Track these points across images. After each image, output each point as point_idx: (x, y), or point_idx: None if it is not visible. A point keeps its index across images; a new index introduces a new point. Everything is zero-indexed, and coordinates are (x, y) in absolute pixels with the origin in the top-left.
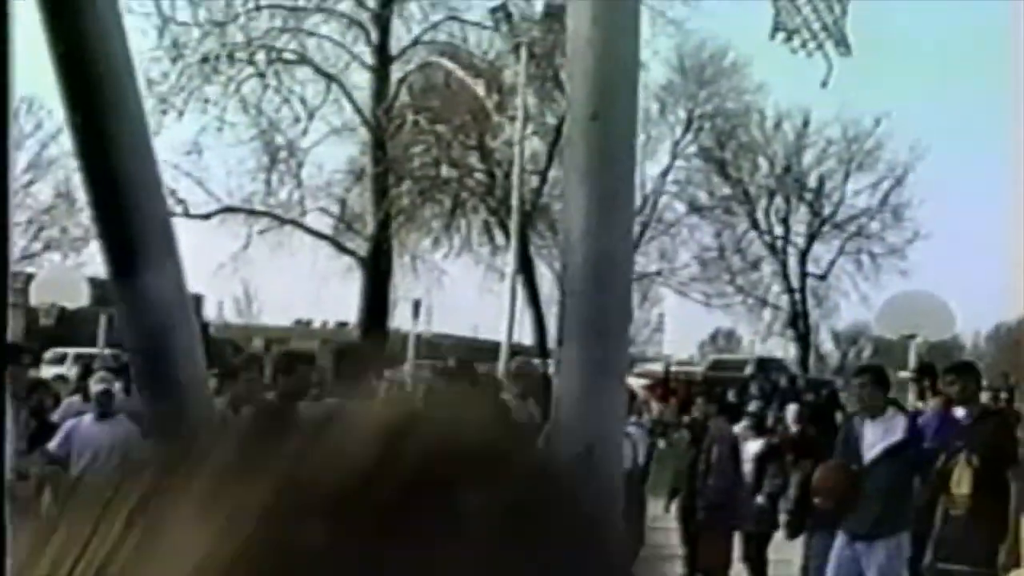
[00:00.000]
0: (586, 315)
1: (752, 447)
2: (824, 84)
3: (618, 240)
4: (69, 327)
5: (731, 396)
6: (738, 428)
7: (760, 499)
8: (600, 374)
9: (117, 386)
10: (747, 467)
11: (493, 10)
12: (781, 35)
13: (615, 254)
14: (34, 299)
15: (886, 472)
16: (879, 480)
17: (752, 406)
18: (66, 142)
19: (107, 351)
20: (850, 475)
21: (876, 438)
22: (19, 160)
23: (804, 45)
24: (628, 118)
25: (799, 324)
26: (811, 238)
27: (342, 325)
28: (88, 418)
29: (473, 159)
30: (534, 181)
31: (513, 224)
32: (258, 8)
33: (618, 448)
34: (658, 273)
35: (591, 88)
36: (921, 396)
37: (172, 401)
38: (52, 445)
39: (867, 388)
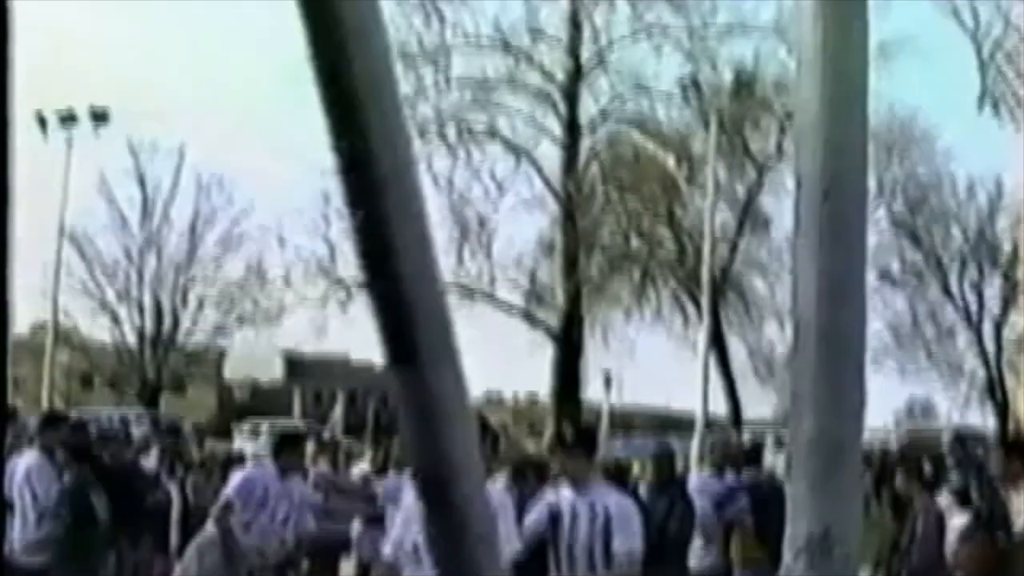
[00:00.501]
0: (820, 395)
1: (957, 522)
2: None
3: (852, 320)
4: (263, 401)
5: (928, 469)
6: (943, 501)
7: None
8: (835, 454)
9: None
10: (951, 538)
11: (682, 81)
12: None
13: (849, 334)
14: (228, 373)
15: None
16: None
17: (954, 478)
18: (257, 218)
19: (301, 422)
20: (996, 552)
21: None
22: (210, 236)
23: (1012, 115)
24: (859, 195)
25: (996, 394)
26: (1006, 305)
27: (534, 398)
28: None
29: (663, 230)
30: (724, 251)
31: (704, 296)
32: (447, 82)
33: (855, 529)
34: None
35: (821, 166)
36: None
37: (449, 500)
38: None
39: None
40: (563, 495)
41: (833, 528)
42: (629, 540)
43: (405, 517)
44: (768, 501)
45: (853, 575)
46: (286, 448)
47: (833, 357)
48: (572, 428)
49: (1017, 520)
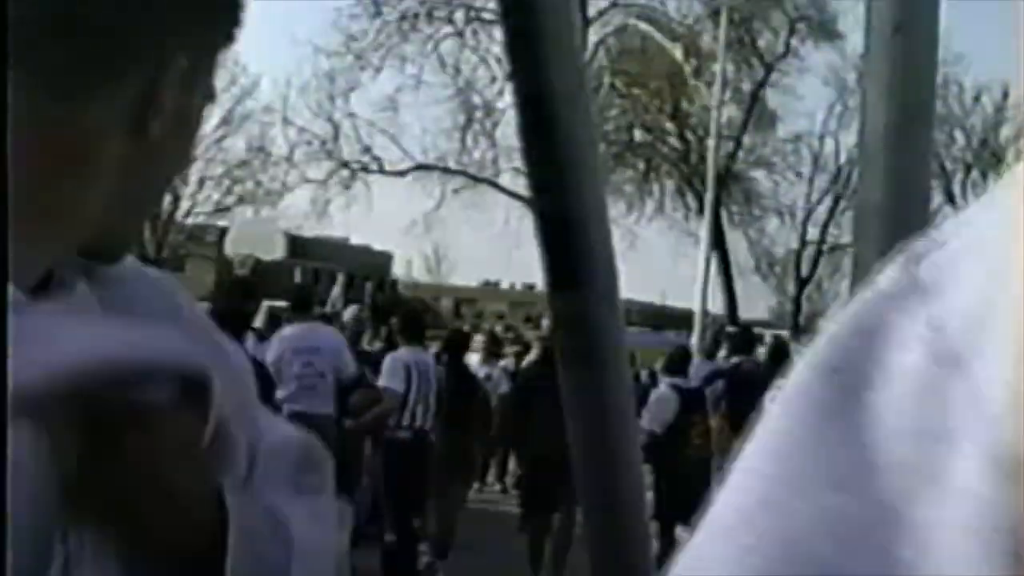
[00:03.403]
0: (883, 229)
1: None
2: None
3: (918, 154)
4: (264, 279)
5: None
6: None
7: None
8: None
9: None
10: None
11: None
12: None
13: (914, 168)
14: (229, 250)
15: None
16: None
17: None
18: (260, 98)
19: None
20: None
21: None
22: (213, 115)
23: None
24: (931, 30)
25: None
26: None
27: (529, 287)
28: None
29: (668, 124)
30: (728, 147)
31: (708, 192)
32: None
33: None
34: (852, 245)
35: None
36: None
37: (597, 422)
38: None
39: None
40: None
41: None
42: None
43: None
44: (750, 386)
45: None
46: None
47: (900, 193)
48: None
49: None
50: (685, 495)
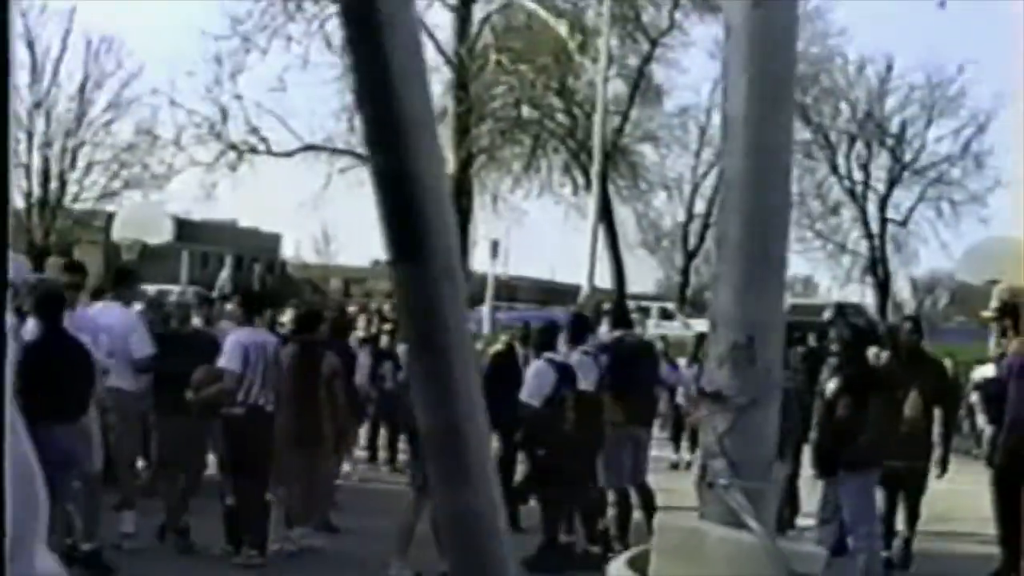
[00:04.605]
0: (746, 207)
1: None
2: (942, 4)
3: (779, 129)
4: (151, 263)
5: (811, 340)
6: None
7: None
8: (760, 265)
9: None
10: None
11: None
12: None
13: (775, 144)
14: (116, 235)
15: None
16: None
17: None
18: (147, 81)
19: (190, 288)
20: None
21: None
22: (100, 99)
23: None
24: (790, 4)
25: (878, 270)
26: (891, 184)
27: None
28: None
29: (554, 100)
30: (615, 122)
31: (595, 167)
32: None
33: (778, 342)
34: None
35: None
36: (1003, 335)
37: (440, 389)
38: None
39: None
40: None
41: (756, 338)
42: None
43: None
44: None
45: (775, 389)
46: None
47: (761, 164)
48: None
49: None
50: (562, 470)
